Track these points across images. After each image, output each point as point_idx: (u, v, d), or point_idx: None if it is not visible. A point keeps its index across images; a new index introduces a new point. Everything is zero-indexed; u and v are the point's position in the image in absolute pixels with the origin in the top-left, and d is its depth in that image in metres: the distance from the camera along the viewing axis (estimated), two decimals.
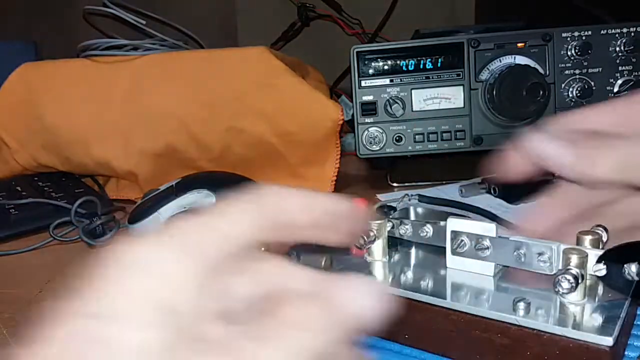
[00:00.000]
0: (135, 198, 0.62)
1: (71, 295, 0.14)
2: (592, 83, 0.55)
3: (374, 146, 0.57)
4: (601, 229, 0.27)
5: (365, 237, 0.29)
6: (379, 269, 0.29)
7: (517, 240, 0.27)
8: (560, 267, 0.25)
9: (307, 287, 0.16)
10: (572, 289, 0.24)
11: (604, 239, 0.27)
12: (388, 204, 0.36)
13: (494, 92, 0.53)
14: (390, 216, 0.33)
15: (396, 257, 0.31)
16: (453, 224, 0.28)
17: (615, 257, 0.24)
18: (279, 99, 0.57)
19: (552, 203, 0.29)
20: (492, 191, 0.51)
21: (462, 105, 0.56)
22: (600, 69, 0.55)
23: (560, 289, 0.24)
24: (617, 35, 0.54)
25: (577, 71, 0.55)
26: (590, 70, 0.55)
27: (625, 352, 0.25)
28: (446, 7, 1.01)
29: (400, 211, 0.36)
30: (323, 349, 0.15)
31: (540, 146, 0.28)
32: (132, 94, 0.60)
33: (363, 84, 0.57)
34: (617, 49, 0.54)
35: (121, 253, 0.15)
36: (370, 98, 0.57)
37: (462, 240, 0.28)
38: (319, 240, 0.18)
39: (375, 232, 0.30)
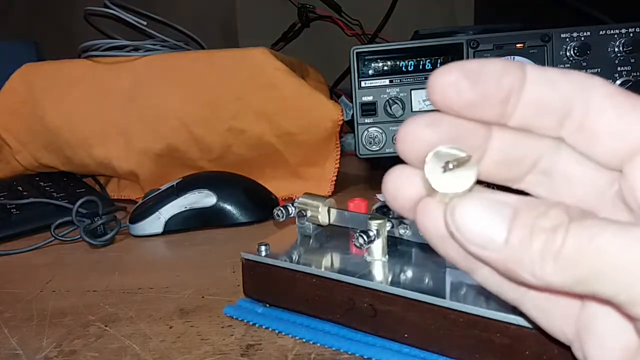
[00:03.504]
0: (137, 198, 0.62)
1: None
2: None
3: (374, 146, 0.58)
4: None
5: (365, 237, 0.29)
6: (378, 269, 0.30)
7: None
8: None
9: None
10: None
11: None
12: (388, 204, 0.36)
13: None
14: (390, 216, 0.33)
15: (396, 256, 0.31)
16: None
17: None
18: (279, 99, 0.58)
19: None
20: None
21: None
22: (599, 69, 0.55)
23: None
24: (615, 35, 0.54)
25: None
26: (589, 71, 0.55)
27: None
28: (445, 7, 1.02)
29: None
30: None
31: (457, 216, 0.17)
32: (133, 94, 0.60)
33: (363, 84, 0.57)
34: (616, 49, 0.54)
35: None
36: (370, 98, 0.57)
37: None
38: None
39: (375, 231, 0.30)
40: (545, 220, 0.16)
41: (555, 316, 0.19)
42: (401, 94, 0.57)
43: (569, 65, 0.55)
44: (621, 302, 0.16)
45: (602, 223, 0.16)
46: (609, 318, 0.18)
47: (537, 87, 0.17)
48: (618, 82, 0.54)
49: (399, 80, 0.57)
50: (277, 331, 0.30)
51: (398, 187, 0.19)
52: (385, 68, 0.57)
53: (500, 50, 0.55)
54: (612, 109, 0.17)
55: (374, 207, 0.36)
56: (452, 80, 0.17)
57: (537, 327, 0.20)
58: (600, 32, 0.54)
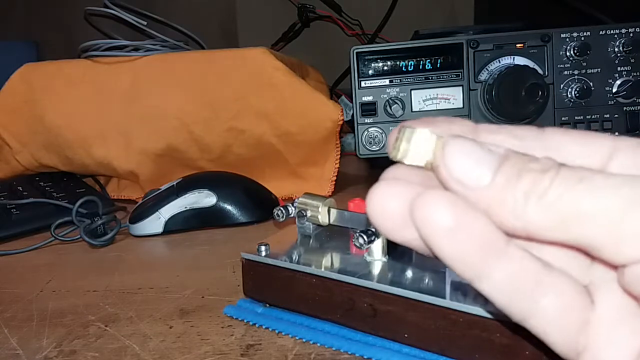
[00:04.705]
0: (137, 198, 0.63)
1: None
2: (591, 83, 0.55)
3: (374, 146, 0.58)
4: None
5: (365, 237, 0.29)
6: (378, 269, 0.30)
7: None
8: None
9: None
10: None
11: None
12: None
13: (493, 93, 0.54)
14: None
15: (396, 256, 0.31)
16: None
17: None
18: (279, 99, 0.58)
19: None
20: None
21: (461, 106, 0.56)
22: (599, 69, 0.55)
23: None
24: (615, 35, 0.54)
25: (575, 72, 0.55)
26: (589, 71, 0.55)
27: None
28: (445, 7, 1.02)
29: None
30: None
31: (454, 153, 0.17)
32: (133, 94, 0.60)
33: (363, 84, 0.57)
34: (616, 49, 0.54)
35: None
36: (370, 98, 0.57)
37: None
38: None
39: (375, 231, 0.30)
40: (535, 164, 0.17)
41: (570, 326, 0.18)
42: (401, 94, 0.57)
43: (569, 65, 0.55)
44: (601, 246, 0.16)
45: (593, 169, 0.16)
46: (622, 325, 0.17)
47: (497, 137, 0.19)
48: (618, 82, 0.55)
49: (399, 80, 0.57)
50: (277, 331, 0.30)
51: (385, 202, 0.18)
52: (385, 68, 0.57)
53: (500, 50, 0.55)
54: (570, 141, 0.18)
55: None
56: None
57: None
58: (600, 32, 0.54)
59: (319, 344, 0.29)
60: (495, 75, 0.54)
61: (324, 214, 0.33)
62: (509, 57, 0.55)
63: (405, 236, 0.18)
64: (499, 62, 0.55)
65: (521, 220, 0.16)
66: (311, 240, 0.34)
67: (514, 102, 0.53)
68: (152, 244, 0.50)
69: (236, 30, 1.03)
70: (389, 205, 0.18)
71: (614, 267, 0.17)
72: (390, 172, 0.19)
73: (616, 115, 0.55)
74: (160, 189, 0.54)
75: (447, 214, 0.16)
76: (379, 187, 0.18)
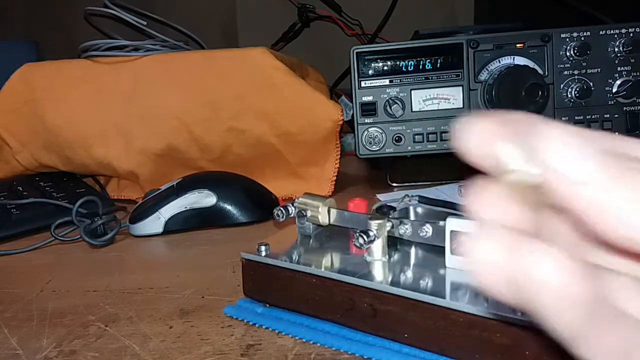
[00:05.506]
0: (136, 198, 0.62)
1: None
2: (591, 83, 0.55)
3: (374, 146, 0.58)
4: None
5: (365, 237, 0.29)
6: (378, 269, 0.30)
7: None
8: None
9: None
10: None
11: None
12: (388, 204, 0.36)
13: (493, 93, 0.54)
14: (390, 216, 0.33)
15: (396, 256, 0.31)
16: (452, 223, 0.28)
17: None
18: (279, 99, 0.58)
19: None
20: None
21: (461, 106, 0.56)
22: (599, 69, 0.55)
23: None
24: (615, 35, 0.54)
25: (575, 72, 0.55)
26: (589, 71, 0.55)
27: None
28: (445, 7, 1.02)
29: (400, 211, 0.36)
30: None
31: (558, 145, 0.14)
32: (133, 94, 0.60)
33: (363, 84, 0.57)
34: (616, 49, 0.54)
35: None
36: (370, 98, 0.57)
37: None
38: None
39: (375, 231, 0.30)
40: (634, 163, 0.14)
41: None
42: (401, 94, 0.57)
43: (569, 65, 0.55)
44: None
45: None
46: None
47: None
48: (618, 82, 0.55)
49: (399, 80, 0.57)
50: (277, 331, 0.30)
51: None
52: (385, 68, 0.57)
53: (500, 50, 0.55)
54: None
55: (374, 207, 0.36)
56: None
57: (536, 327, 0.20)
58: (600, 32, 0.54)
59: (319, 344, 0.29)
60: (495, 75, 0.54)
61: (324, 214, 0.33)
62: (509, 57, 0.55)
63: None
64: (499, 62, 0.55)
65: (628, 228, 0.13)
66: (311, 240, 0.34)
67: (514, 102, 0.53)
68: (152, 244, 0.50)
69: (236, 30, 1.03)
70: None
71: None
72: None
73: (616, 115, 0.55)
74: (160, 189, 0.54)
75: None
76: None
